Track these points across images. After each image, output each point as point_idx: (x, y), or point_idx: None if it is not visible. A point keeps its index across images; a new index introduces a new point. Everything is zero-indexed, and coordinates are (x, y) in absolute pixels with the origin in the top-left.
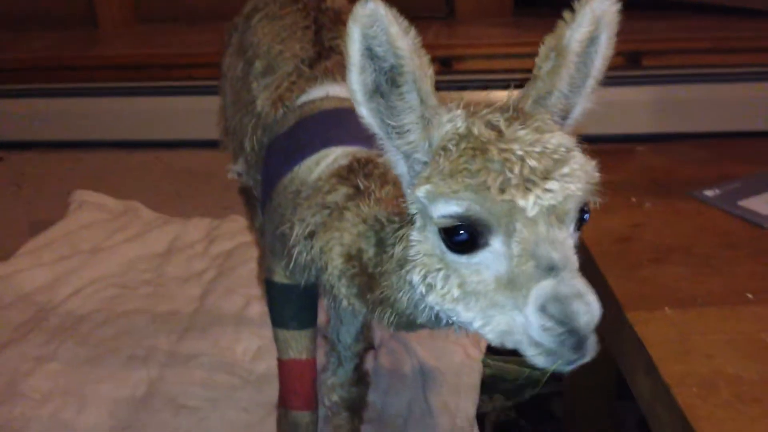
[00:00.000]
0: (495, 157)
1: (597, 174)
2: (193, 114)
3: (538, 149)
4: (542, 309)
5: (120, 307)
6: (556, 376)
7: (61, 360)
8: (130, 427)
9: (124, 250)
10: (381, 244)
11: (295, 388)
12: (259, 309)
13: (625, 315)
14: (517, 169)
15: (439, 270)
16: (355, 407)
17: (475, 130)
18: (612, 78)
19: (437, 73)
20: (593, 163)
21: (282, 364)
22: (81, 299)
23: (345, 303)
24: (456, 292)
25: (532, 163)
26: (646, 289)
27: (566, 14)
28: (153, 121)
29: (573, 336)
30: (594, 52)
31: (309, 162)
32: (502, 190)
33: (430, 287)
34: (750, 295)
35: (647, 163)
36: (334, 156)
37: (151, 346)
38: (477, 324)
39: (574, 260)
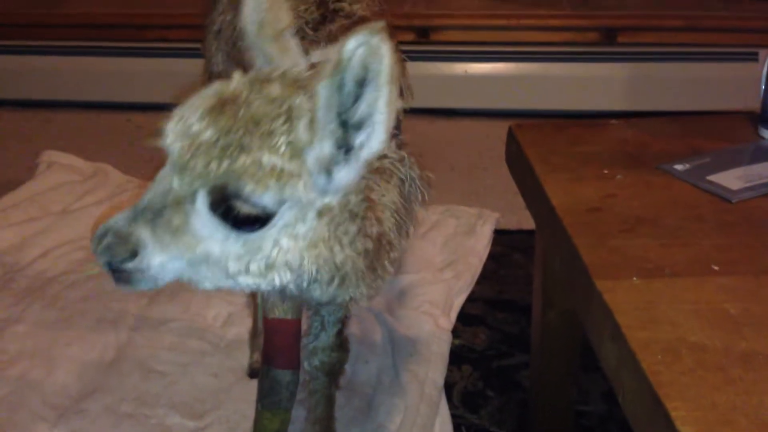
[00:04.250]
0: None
1: (260, 173)
2: (167, 76)
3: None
4: None
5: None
6: (523, 348)
7: (28, 322)
8: (98, 390)
9: (94, 212)
10: None
11: (279, 346)
12: None
13: (594, 283)
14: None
15: None
16: (334, 372)
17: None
18: (588, 54)
19: (413, 42)
20: (262, 164)
21: (267, 322)
22: (49, 261)
23: None
24: None
25: (192, 119)
26: (616, 259)
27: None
28: (125, 82)
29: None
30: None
31: None
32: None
33: None
34: (715, 267)
35: (620, 136)
36: None
37: (120, 310)
38: None
39: (155, 211)
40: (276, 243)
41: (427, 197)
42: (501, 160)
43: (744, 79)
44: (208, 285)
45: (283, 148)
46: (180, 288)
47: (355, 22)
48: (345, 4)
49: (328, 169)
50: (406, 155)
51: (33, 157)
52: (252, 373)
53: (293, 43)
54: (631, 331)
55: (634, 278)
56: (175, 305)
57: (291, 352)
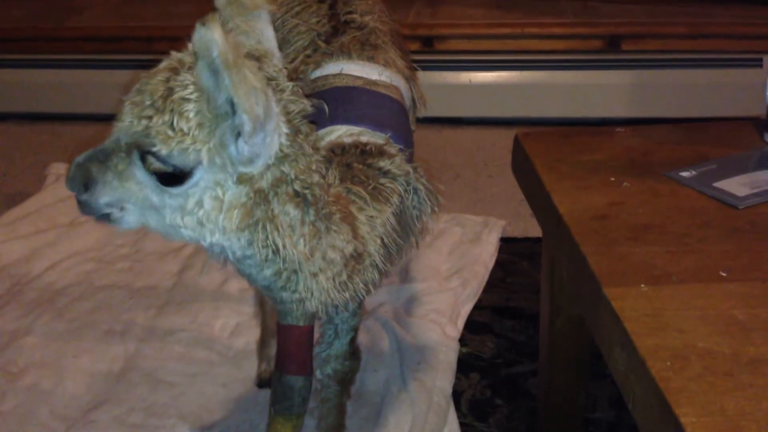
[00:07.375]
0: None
1: (147, 135)
2: None
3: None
4: None
5: (97, 281)
6: (530, 356)
7: (37, 334)
8: (107, 401)
9: (102, 225)
10: None
11: (292, 352)
12: (237, 285)
13: (602, 290)
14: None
15: None
16: (347, 381)
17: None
18: (592, 61)
19: (418, 52)
20: (172, 126)
21: (281, 328)
22: (58, 273)
23: None
24: None
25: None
26: (623, 266)
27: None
28: None
29: None
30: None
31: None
32: None
33: None
34: (723, 273)
35: (626, 143)
36: (338, 134)
37: (128, 321)
38: None
39: (107, 154)
40: (199, 202)
41: (437, 208)
42: (506, 168)
43: (749, 85)
44: (164, 234)
45: (191, 115)
46: (186, 298)
47: (366, 34)
48: (356, 16)
49: (235, 141)
50: (411, 169)
51: (41, 170)
52: (260, 383)
53: (263, 25)
54: (640, 338)
55: (642, 285)
56: (183, 316)
57: (303, 358)
